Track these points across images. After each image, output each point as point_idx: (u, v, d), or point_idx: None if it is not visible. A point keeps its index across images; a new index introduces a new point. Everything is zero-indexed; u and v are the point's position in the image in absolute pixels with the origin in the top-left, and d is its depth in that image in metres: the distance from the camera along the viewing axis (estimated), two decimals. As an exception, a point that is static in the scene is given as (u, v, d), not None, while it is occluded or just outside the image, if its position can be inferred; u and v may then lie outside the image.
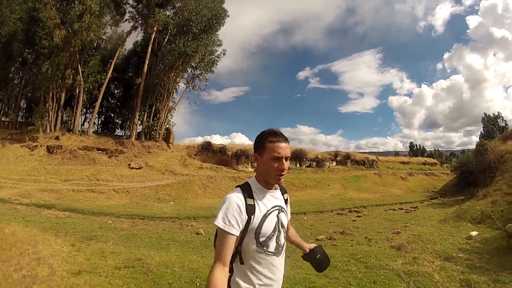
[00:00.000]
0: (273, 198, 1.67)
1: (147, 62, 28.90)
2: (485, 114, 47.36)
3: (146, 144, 27.33)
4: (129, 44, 33.49)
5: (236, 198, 1.53)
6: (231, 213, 1.50)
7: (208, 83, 33.47)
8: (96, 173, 19.97)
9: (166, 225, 11.51)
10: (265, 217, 1.59)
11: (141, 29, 30.53)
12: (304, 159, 33.99)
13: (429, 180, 36.23)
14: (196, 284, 4.48)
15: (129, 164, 22.43)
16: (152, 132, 28.81)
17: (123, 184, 18.69)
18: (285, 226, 1.71)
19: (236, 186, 1.64)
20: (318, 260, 2.01)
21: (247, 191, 1.59)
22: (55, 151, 22.72)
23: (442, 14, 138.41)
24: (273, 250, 1.62)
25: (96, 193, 16.49)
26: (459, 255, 7.50)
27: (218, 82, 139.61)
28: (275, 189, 1.71)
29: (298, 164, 33.35)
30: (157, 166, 23.24)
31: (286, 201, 1.79)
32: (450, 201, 20.82)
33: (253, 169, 29.60)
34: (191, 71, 31.62)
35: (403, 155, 53.28)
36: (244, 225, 1.52)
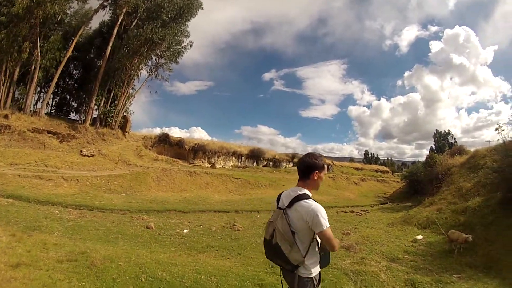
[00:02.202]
0: None
1: (111, 44, 27.52)
2: (437, 130, 51.80)
3: (100, 131, 26.22)
4: (95, 23, 31.54)
5: (320, 206, 2.19)
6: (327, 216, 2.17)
7: (172, 74, 32.78)
8: (45, 158, 18.95)
9: (116, 218, 11.35)
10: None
11: (110, 9, 28.64)
12: (262, 159, 34.67)
13: (380, 186, 38.30)
14: (141, 280, 4.38)
15: (81, 151, 21.51)
16: (108, 118, 27.69)
17: (73, 172, 17.92)
18: None
19: (309, 198, 2.25)
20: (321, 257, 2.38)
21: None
22: (2, 131, 20.93)
23: (408, 36, 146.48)
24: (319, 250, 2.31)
25: (44, 180, 15.65)
26: (405, 256, 8.05)
27: (182, 74, 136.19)
28: None
29: (255, 163, 33.94)
30: (110, 155, 22.56)
31: None
32: (399, 207, 22.45)
33: (209, 165, 29.73)
34: (155, 59, 30.88)
35: (357, 162, 56.01)
36: None
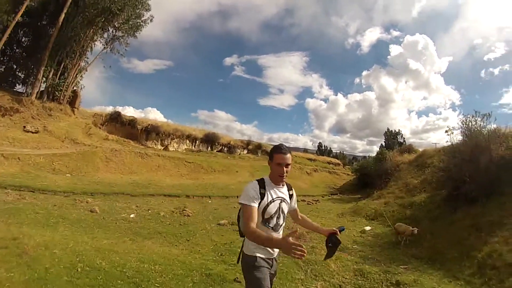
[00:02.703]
0: (278, 191, 2.45)
1: (65, 10, 24.90)
2: (388, 129, 55.70)
3: (47, 105, 24.45)
4: None
5: (253, 186, 2.36)
6: (251, 194, 2.30)
7: (130, 51, 31.49)
8: None
9: (58, 200, 10.76)
10: (270, 202, 2.36)
11: None
12: (216, 144, 34.88)
13: (331, 178, 39.87)
14: (77, 270, 4.15)
15: (25, 127, 20.20)
16: (57, 92, 25.68)
17: (15, 149, 16.89)
18: (285, 212, 2.49)
19: (255, 180, 2.43)
20: (328, 248, 2.56)
21: (261, 183, 2.39)
22: None
23: (370, 37, 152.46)
24: (272, 226, 2.40)
25: None
26: (354, 246, 8.30)
27: (141, 51, 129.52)
28: (282, 185, 2.50)
29: (209, 147, 34.08)
30: (56, 132, 21.39)
31: (291, 196, 2.62)
32: (348, 198, 23.68)
33: (162, 147, 29.43)
34: (112, 31, 29.09)
35: (311, 153, 57.64)
36: (258, 204, 2.30)
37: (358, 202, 16.71)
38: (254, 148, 38.40)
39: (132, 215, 10.07)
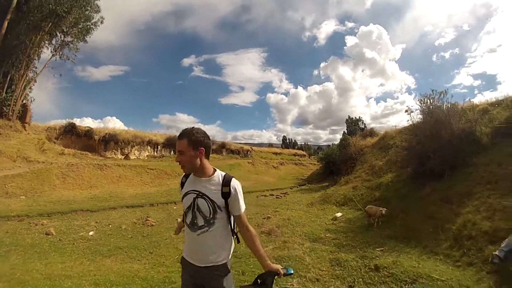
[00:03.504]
0: (198, 183, 2.11)
1: (9, 17, 23.36)
2: (349, 117, 57.58)
3: None
4: None
5: (181, 177, 2.25)
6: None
7: (84, 57, 30.36)
8: None
9: (11, 226, 10.29)
10: (185, 194, 2.14)
11: None
12: (179, 146, 34.44)
13: (298, 169, 40.99)
14: None
15: None
16: (4, 107, 23.99)
17: None
18: (203, 211, 2.06)
19: None
20: (254, 285, 2.02)
21: (187, 174, 2.22)
22: None
23: (326, 29, 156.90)
24: (188, 222, 2.12)
25: None
26: (327, 235, 8.23)
27: (96, 58, 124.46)
28: (207, 177, 2.11)
29: (172, 152, 33.75)
30: (7, 152, 20.23)
31: (224, 194, 2.05)
32: (317, 187, 23.86)
33: (123, 156, 28.88)
34: (60, 36, 27.58)
35: (276, 147, 59.14)
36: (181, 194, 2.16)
37: (327, 190, 17.02)
38: (218, 148, 38.63)
39: (91, 233, 9.80)
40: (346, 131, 53.63)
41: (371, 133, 24.90)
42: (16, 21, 24.05)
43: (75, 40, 28.23)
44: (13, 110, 24.85)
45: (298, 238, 7.81)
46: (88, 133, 28.06)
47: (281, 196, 19.80)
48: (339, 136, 62.30)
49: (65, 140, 27.12)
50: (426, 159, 10.29)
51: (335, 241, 7.58)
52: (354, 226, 9.08)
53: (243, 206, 2.12)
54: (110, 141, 28.65)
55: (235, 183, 2.10)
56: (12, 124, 24.29)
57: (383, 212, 8.58)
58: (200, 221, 2.06)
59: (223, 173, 2.16)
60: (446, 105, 10.70)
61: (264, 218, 11.23)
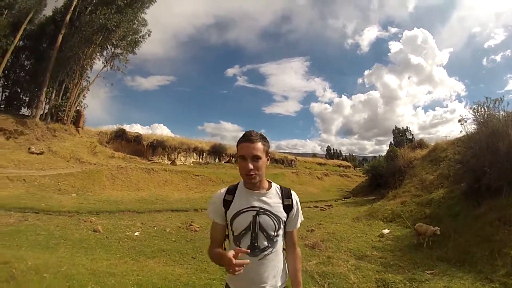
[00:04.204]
0: (255, 199, 1.78)
1: (63, 31, 25.60)
2: (396, 127, 54.59)
3: (51, 126, 24.52)
4: (49, 10, 28.99)
5: (217, 194, 1.85)
6: (212, 207, 1.84)
7: (133, 68, 31.87)
8: None
9: (61, 221, 10.49)
10: (238, 214, 1.75)
11: None
12: (224, 155, 34.49)
13: (343, 181, 39.19)
14: None
15: (29, 148, 20.17)
16: (60, 113, 25.88)
17: (20, 171, 16.74)
18: (268, 231, 1.74)
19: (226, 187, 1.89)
20: None
21: (231, 188, 1.84)
22: None
23: (368, 36, 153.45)
24: (245, 247, 1.70)
25: None
26: (373, 253, 7.77)
27: (144, 69, 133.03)
28: (266, 190, 1.83)
29: (217, 159, 33.74)
30: (61, 152, 21.28)
31: (286, 207, 1.83)
32: (362, 201, 22.47)
33: (169, 162, 29.18)
34: (111, 48, 29.35)
35: (320, 157, 56.87)
36: (223, 217, 1.81)
37: (373, 204, 16.11)
38: (262, 157, 37.84)
39: (136, 233, 9.73)
40: (393, 142, 51.17)
41: (421, 144, 23.19)
42: (70, 35, 26.00)
43: (125, 52, 29.71)
44: (68, 115, 26.58)
45: (343, 254, 7.48)
46: (137, 138, 28.86)
47: (325, 209, 18.90)
48: (385, 147, 59.45)
49: (115, 144, 28.09)
50: (481, 174, 9.12)
51: (382, 260, 7.12)
52: (402, 245, 8.50)
53: (300, 221, 1.94)
54: (157, 146, 29.14)
55: (295, 196, 1.92)
56: (67, 128, 25.86)
57: (437, 231, 7.87)
58: (263, 242, 1.76)
59: (277, 184, 1.93)
60: (502, 114, 9.53)
61: (308, 231, 10.90)
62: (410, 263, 6.78)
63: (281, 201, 1.83)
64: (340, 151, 74.00)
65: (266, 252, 1.76)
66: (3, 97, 29.38)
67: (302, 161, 43.42)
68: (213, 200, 1.86)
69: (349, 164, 53.00)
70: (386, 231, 10.19)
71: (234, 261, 1.47)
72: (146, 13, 29.33)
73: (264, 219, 1.75)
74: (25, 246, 6.93)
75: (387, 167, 24.97)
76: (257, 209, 1.76)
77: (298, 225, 1.93)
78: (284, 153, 44.30)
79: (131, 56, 30.46)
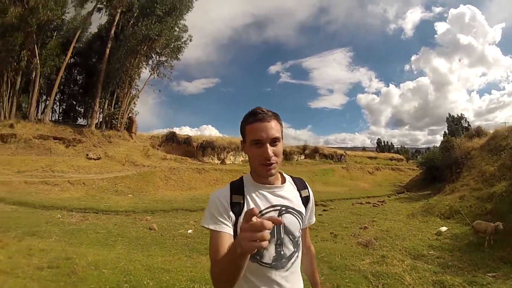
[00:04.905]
0: (273, 195, 1.35)
1: (109, 45, 27.48)
2: (449, 114, 49.96)
3: (106, 133, 26.15)
4: (94, 28, 31.71)
5: (219, 194, 1.32)
6: (216, 210, 1.28)
7: (178, 74, 32.96)
8: (51, 164, 18.99)
9: (119, 220, 10.95)
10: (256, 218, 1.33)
11: (106, 11, 28.75)
12: (271, 152, 34.04)
13: (395, 175, 37.38)
14: None
15: (87, 155, 21.48)
16: (113, 120, 27.60)
17: (80, 175, 17.88)
18: (294, 232, 1.34)
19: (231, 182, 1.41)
20: None
21: (236, 186, 1.36)
22: (8, 140, 21.26)
23: (412, 18, 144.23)
24: (269, 262, 1.29)
25: (50, 185, 15.55)
26: (430, 252, 7.25)
27: (188, 73, 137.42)
28: (281, 182, 1.42)
29: (265, 158, 33.40)
30: (117, 157, 22.42)
31: (305, 199, 1.46)
32: (417, 196, 21.23)
33: (219, 161, 29.41)
34: (156, 57, 30.59)
35: (370, 151, 54.91)
36: (233, 225, 1.28)
37: (429, 199, 14.97)
38: (311, 153, 37.00)
39: (189, 231, 9.73)
40: (447, 131, 46.89)
41: (478, 132, 21.00)
42: (116, 48, 27.61)
43: (169, 59, 30.80)
44: (121, 122, 28.11)
45: (398, 254, 7.03)
46: (187, 140, 29.50)
47: (378, 205, 17.90)
48: (439, 138, 55.49)
49: (167, 147, 28.95)
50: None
51: (439, 260, 6.60)
52: (462, 244, 7.81)
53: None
54: (207, 147, 29.46)
55: (308, 185, 1.52)
56: (120, 134, 27.37)
57: (500, 226, 7.06)
58: (289, 248, 1.32)
59: (286, 174, 1.48)
60: None
61: (361, 228, 10.41)
62: (470, 264, 6.21)
63: (298, 193, 1.45)
64: (391, 143, 70.33)
65: (293, 260, 1.34)
66: (60, 110, 32.66)
67: (352, 155, 41.74)
68: (214, 202, 1.31)
69: (401, 157, 49.96)
70: (443, 228, 9.47)
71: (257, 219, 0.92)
72: (185, 20, 30.22)
73: (288, 219, 1.34)
74: (86, 243, 7.20)
75: (442, 159, 23.54)
76: (279, 207, 1.33)
77: (314, 218, 1.58)
78: (333, 147, 43.02)
79: (175, 62, 31.55)
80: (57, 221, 9.79)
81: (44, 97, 29.08)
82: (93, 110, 27.25)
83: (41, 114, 27.54)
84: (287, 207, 1.34)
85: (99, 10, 28.77)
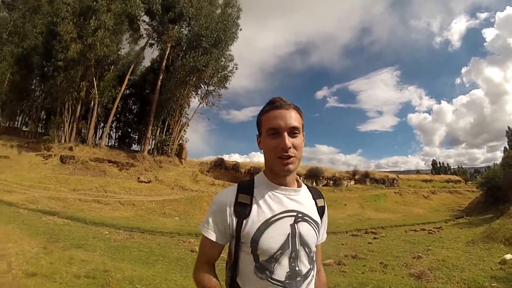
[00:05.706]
0: (288, 199, 1.15)
1: (160, 77, 29.49)
2: (509, 128, 46.02)
3: (157, 158, 27.42)
4: (147, 62, 34.76)
5: (222, 198, 1.14)
6: (211, 214, 1.14)
7: (227, 103, 34.01)
8: (104, 185, 20.03)
9: (163, 240, 10.96)
10: (268, 223, 1.07)
11: (157, 46, 31.32)
12: (321, 178, 33.31)
13: (453, 198, 34.45)
14: None
15: (139, 178, 22.46)
16: (165, 147, 28.94)
17: (130, 196, 18.63)
18: (310, 245, 1.14)
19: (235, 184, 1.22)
20: None
21: (244, 186, 1.15)
22: (67, 161, 23.19)
23: (457, 29, 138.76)
24: (282, 279, 1.07)
25: (102, 204, 16.32)
26: (493, 284, 6.44)
27: (237, 102, 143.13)
28: (297, 186, 1.21)
29: (314, 183, 32.53)
30: (166, 181, 23.13)
31: (320, 209, 1.25)
32: (478, 220, 19.44)
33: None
34: (204, 87, 31.94)
35: (425, 174, 51.85)
36: (233, 231, 1.11)
37: (491, 224, 13.42)
38: (362, 178, 35.49)
39: None
40: (507, 146, 43.86)
41: None
42: (167, 79, 29.41)
43: (217, 88, 31.90)
44: (172, 148, 29.32)
45: (456, 286, 6.32)
46: (235, 166, 30.16)
47: (434, 232, 16.57)
48: (499, 154, 51.07)
49: (215, 173, 29.64)
50: None
51: None
52: None
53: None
54: (254, 173, 28.98)
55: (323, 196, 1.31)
56: (171, 160, 28.48)
57: None
58: (305, 264, 1.12)
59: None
60: None
61: (414, 258, 9.65)
62: (541, 298, 5.31)
63: (314, 201, 1.23)
64: (447, 164, 64.98)
65: (309, 279, 1.13)
66: (116, 136, 36.00)
67: (405, 179, 39.31)
68: (215, 205, 1.15)
69: (459, 178, 46.04)
70: (509, 256, 8.15)
71: None
72: (231, 50, 31.44)
73: (305, 228, 1.13)
74: (127, 259, 7.22)
75: (504, 177, 22.18)
76: (295, 213, 1.12)
77: (326, 235, 1.34)
78: (384, 172, 40.99)
79: (223, 91, 32.58)
80: (104, 237, 9.98)
81: (102, 124, 31.65)
82: (146, 137, 28.89)
83: (98, 139, 30.08)
84: (303, 214, 1.14)
85: (151, 45, 31.55)
